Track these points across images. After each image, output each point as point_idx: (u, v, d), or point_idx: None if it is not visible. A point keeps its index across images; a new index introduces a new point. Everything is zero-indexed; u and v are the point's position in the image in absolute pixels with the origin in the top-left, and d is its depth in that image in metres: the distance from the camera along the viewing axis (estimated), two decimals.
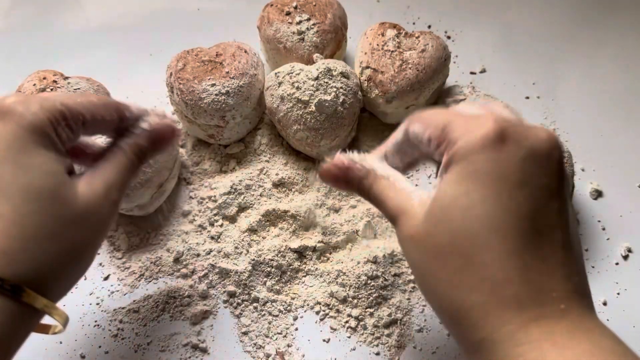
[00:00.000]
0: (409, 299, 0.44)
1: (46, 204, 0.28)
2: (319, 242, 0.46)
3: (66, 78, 0.49)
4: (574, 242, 0.27)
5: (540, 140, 0.27)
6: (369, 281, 0.44)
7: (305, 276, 0.45)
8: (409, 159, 0.34)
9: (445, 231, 0.27)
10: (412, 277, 0.45)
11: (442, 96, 0.52)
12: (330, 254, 0.46)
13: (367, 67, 0.49)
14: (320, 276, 0.45)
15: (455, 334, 0.28)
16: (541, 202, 0.26)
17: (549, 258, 0.26)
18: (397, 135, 0.33)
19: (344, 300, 0.44)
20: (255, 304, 0.44)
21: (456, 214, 0.26)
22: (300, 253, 0.45)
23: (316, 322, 0.44)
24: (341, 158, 0.33)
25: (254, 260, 0.44)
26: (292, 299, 0.44)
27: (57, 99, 0.30)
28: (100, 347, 0.42)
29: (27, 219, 0.27)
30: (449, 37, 0.60)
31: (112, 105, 0.33)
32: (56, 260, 0.29)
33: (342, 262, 0.46)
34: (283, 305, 0.44)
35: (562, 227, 0.26)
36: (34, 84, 0.47)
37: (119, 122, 0.34)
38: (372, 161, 0.33)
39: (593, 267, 0.46)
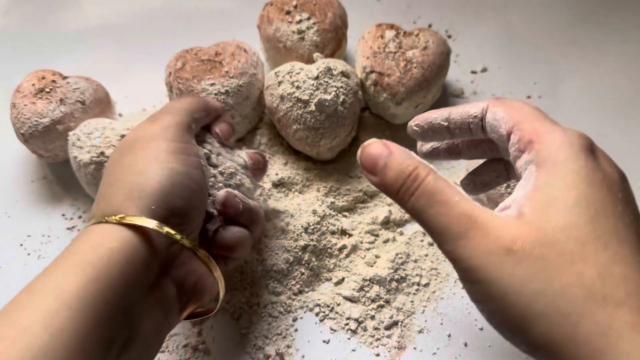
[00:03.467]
0: (412, 301, 0.44)
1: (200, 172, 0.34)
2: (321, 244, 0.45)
3: (65, 77, 0.49)
4: None
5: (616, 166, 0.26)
6: (371, 285, 0.44)
7: (306, 277, 0.45)
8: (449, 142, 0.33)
9: (557, 243, 0.23)
10: (417, 280, 0.44)
11: (445, 90, 0.52)
12: (332, 257, 0.46)
13: (372, 72, 0.48)
14: (322, 278, 0.45)
15: None
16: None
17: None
18: (470, 110, 0.30)
19: (345, 303, 0.44)
20: (255, 306, 0.44)
21: (564, 225, 0.23)
22: (301, 254, 0.45)
23: (316, 323, 0.43)
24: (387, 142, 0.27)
25: (254, 261, 0.44)
26: (292, 299, 0.44)
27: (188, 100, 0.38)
28: None
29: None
30: (449, 36, 0.60)
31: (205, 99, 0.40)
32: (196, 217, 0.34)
33: (343, 265, 0.46)
34: (283, 307, 0.44)
35: None
36: (33, 84, 0.47)
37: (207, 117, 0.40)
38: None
39: None
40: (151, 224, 0.29)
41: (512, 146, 0.26)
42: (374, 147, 0.27)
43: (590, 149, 0.25)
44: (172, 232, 0.30)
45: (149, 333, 0.29)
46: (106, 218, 0.29)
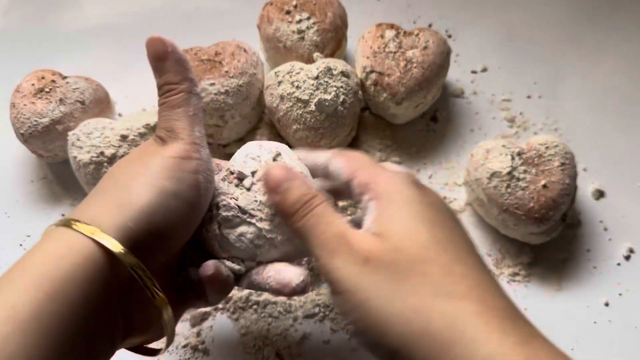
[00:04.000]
0: None
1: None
2: None
3: (65, 77, 0.49)
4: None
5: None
6: None
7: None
8: None
9: (404, 249, 0.27)
10: None
11: (445, 90, 0.52)
12: None
13: (372, 72, 0.48)
14: (322, 278, 0.45)
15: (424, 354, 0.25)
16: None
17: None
18: (317, 159, 0.34)
19: None
20: (254, 306, 0.44)
21: (407, 235, 0.27)
22: None
23: (316, 324, 0.43)
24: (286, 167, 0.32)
25: None
26: (292, 300, 0.44)
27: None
28: None
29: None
30: (449, 36, 0.59)
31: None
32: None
33: None
34: (283, 307, 0.44)
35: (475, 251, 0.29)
36: (32, 84, 0.47)
37: None
38: None
39: (595, 267, 0.46)
40: (117, 248, 0.26)
41: (354, 190, 0.30)
42: (279, 171, 0.31)
43: (416, 184, 0.29)
44: (138, 268, 0.27)
45: None
46: (78, 225, 0.26)
